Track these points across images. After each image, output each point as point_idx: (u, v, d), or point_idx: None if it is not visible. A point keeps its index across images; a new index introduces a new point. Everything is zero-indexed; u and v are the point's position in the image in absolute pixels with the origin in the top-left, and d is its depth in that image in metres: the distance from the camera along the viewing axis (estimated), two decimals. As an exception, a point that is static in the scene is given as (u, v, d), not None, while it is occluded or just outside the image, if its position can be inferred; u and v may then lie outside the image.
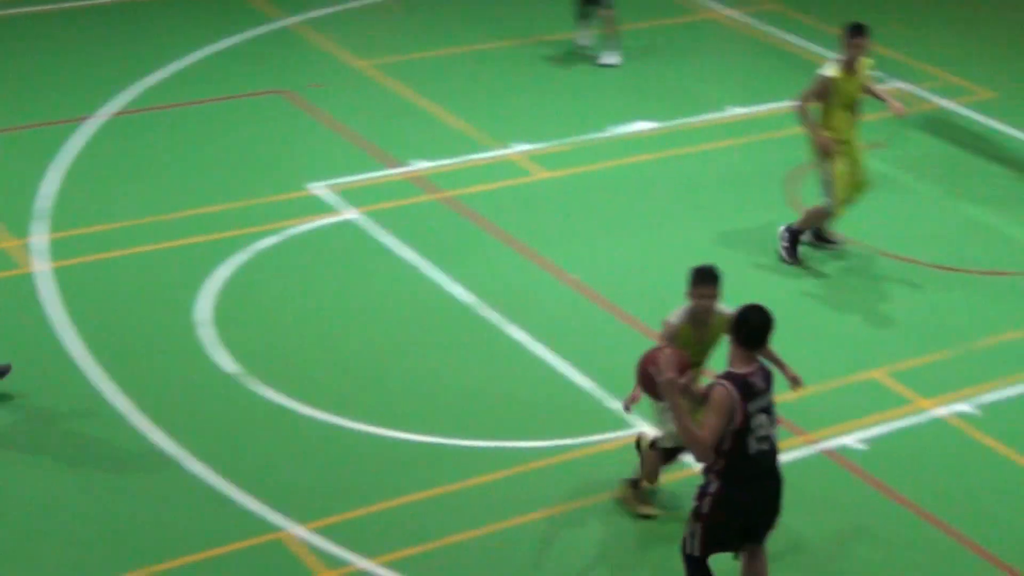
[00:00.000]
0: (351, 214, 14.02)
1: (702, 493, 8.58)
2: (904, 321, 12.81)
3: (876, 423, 11.31)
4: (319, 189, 14.42)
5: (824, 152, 13.01)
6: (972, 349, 12.29)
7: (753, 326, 8.61)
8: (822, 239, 13.68)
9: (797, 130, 16.03)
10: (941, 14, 20.18)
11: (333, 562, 9.66)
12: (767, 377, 8.59)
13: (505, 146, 15.58)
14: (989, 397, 11.64)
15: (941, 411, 11.43)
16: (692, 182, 15.04)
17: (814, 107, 13.15)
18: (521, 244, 13.68)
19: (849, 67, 13.02)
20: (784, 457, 10.75)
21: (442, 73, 17.44)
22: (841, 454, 10.96)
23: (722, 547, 8.79)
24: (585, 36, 18.23)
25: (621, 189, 14.77)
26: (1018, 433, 11.24)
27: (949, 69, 17.93)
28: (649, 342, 12.06)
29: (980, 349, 12.29)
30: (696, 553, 8.69)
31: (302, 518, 10.02)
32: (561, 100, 16.70)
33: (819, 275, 13.51)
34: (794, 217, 13.88)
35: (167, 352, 11.93)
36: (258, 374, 11.62)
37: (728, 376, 8.36)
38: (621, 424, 11.11)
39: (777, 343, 12.27)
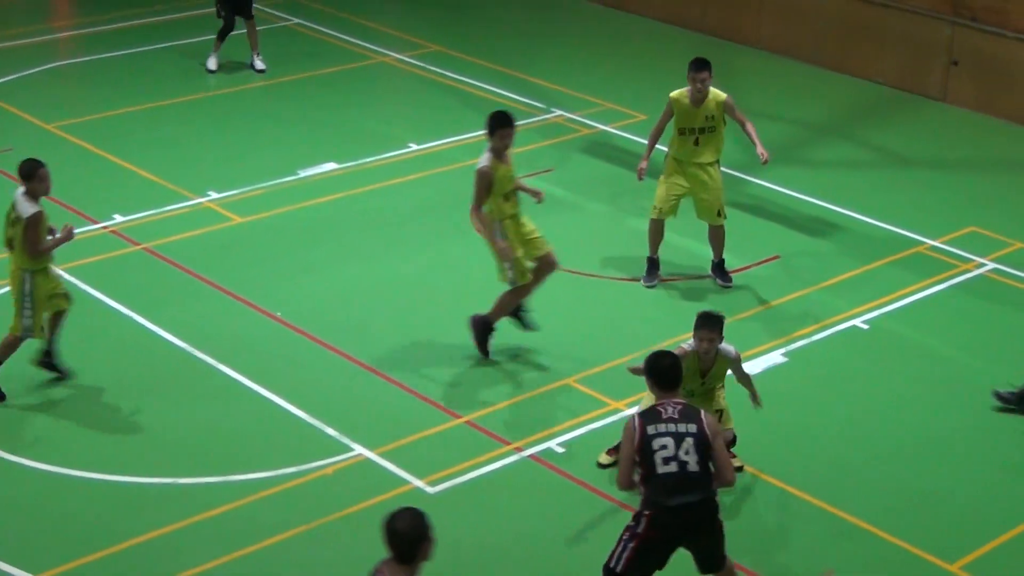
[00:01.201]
0: (57, 270, 13.64)
1: (638, 515, 8.72)
2: (589, 331, 13.17)
3: (572, 426, 11.58)
4: (23, 249, 14.07)
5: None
6: (650, 350, 12.62)
7: (661, 369, 8.81)
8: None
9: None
10: (589, 50, 20.80)
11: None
12: (686, 412, 8.62)
13: (200, 195, 15.43)
14: (672, 393, 12.02)
15: (632, 410, 11.67)
16: (384, 216, 15.14)
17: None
18: (226, 287, 13.57)
19: (695, 99, 13.28)
20: (495, 465, 11.12)
21: (126, 130, 17.18)
22: (544, 457, 11.20)
23: (642, 569, 8.86)
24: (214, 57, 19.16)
25: (316, 227, 14.84)
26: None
27: (604, 97, 18.48)
28: (357, 369, 12.22)
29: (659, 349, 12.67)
30: (619, 569, 8.74)
31: (36, 569, 9.74)
32: (250, 147, 16.72)
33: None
34: (478, 242, 14.19)
35: None
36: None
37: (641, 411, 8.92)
38: (338, 450, 11.20)
39: (498, 348, 12.56)
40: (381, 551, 10.01)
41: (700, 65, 13.20)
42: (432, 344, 12.80)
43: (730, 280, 13.83)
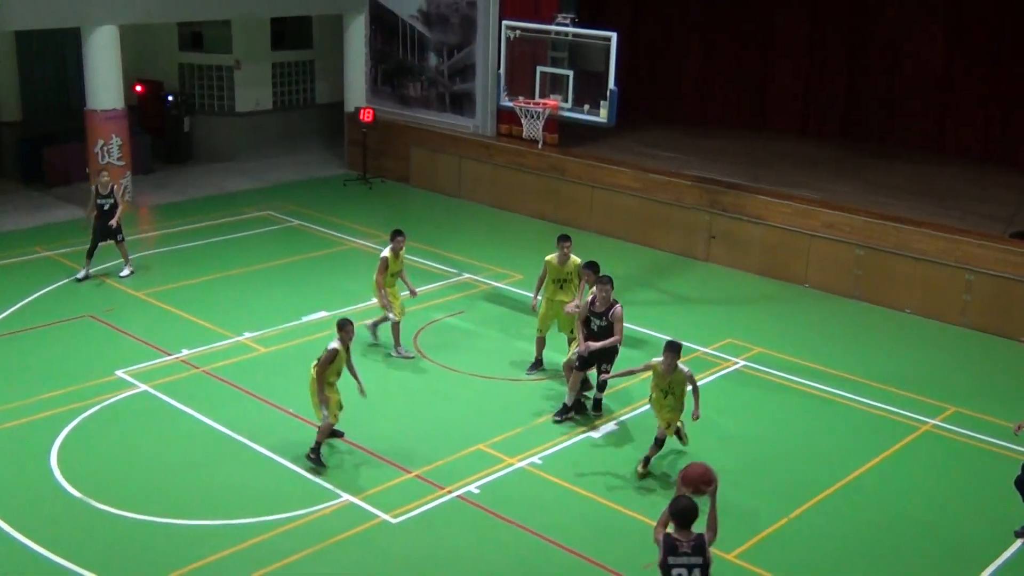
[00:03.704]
0: (145, 387, 13.52)
1: None
2: (490, 411, 13.19)
3: (486, 475, 11.60)
4: (122, 374, 13.86)
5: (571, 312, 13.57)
6: (533, 425, 12.77)
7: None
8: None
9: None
10: (484, 234, 20.98)
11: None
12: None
13: (238, 334, 15.32)
14: (546, 452, 12.09)
15: (522, 463, 11.83)
16: (359, 344, 14.85)
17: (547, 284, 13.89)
18: (257, 394, 13.49)
19: (561, 260, 13.79)
20: (435, 503, 11.07)
21: (189, 295, 16.94)
22: (467, 496, 11.21)
23: None
24: (85, 271, 17.25)
25: (315, 353, 14.56)
26: (566, 469, 11.77)
27: (495, 264, 18.69)
28: (344, 445, 12.05)
29: (538, 425, 12.79)
30: None
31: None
32: (270, 302, 16.62)
33: (439, 392, 13.74)
34: (423, 364, 14.06)
35: (31, 486, 11.24)
36: (91, 493, 11.11)
37: None
38: (332, 497, 11.09)
39: (435, 428, 12.47)
40: (367, 561, 9.98)
41: (565, 238, 13.83)
42: (391, 428, 12.73)
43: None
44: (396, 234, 14.35)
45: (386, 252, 14.30)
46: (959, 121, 22.57)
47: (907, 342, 15.96)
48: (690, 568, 7.73)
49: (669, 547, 7.75)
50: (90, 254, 17.25)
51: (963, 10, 22.06)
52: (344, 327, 11.61)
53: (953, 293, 16.68)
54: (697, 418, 11.53)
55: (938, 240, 16.90)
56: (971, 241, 16.63)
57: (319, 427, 11.59)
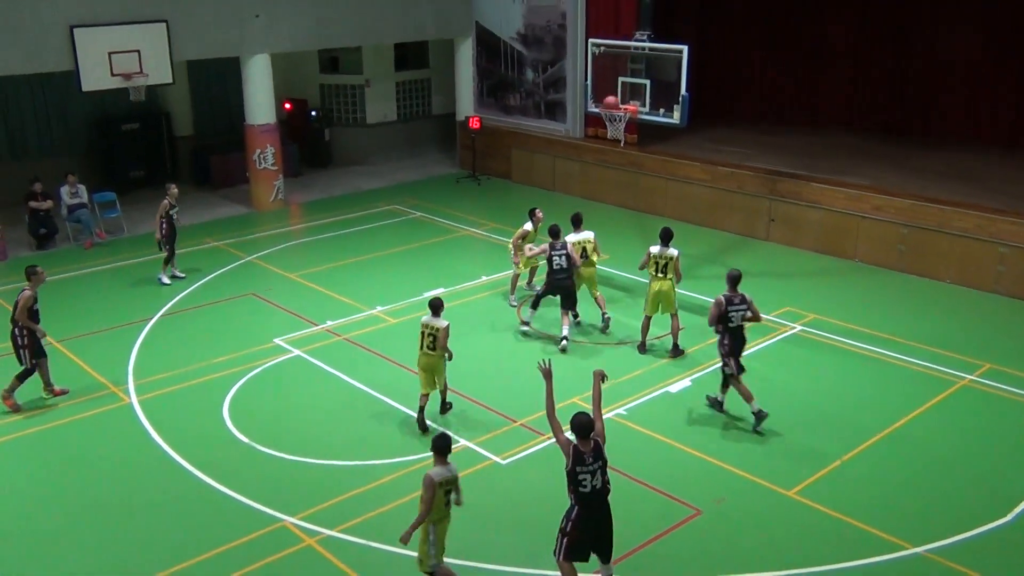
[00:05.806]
0: (298, 352, 13.90)
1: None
2: (583, 371, 12.92)
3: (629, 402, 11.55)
4: (279, 341, 14.26)
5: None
6: (619, 383, 12.62)
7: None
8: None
9: (523, 283, 16.30)
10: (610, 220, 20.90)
11: (312, 534, 9.55)
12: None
13: (371, 308, 15.61)
14: (631, 404, 11.93)
15: (610, 414, 11.70)
16: (472, 315, 15.16)
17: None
18: (387, 357, 13.70)
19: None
20: (537, 447, 10.97)
21: (331, 275, 17.29)
22: (616, 417, 11.15)
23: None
24: (165, 276, 16.65)
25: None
26: (647, 420, 11.69)
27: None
28: (460, 399, 12.18)
29: (623, 382, 12.68)
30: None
31: (292, 512, 9.87)
32: (397, 281, 16.86)
33: (541, 355, 13.66)
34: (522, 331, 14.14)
35: (209, 433, 11.66)
36: (256, 439, 11.45)
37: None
38: (453, 441, 11.13)
39: (536, 385, 12.35)
40: (482, 495, 10.07)
41: (663, 233, 13.45)
42: (500, 386, 12.82)
43: (680, 352, 13.60)
44: (532, 211, 15.44)
45: (527, 225, 15.27)
46: (992, 113, 21.68)
47: (947, 308, 15.45)
48: (593, 472, 7.72)
49: (577, 458, 7.74)
50: (169, 260, 16.56)
51: (995, 14, 21.12)
52: (441, 306, 11.54)
53: (988, 265, 16.07)
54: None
55: (974, 218, 16.28)
56: (1004, 219, 16.00)
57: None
